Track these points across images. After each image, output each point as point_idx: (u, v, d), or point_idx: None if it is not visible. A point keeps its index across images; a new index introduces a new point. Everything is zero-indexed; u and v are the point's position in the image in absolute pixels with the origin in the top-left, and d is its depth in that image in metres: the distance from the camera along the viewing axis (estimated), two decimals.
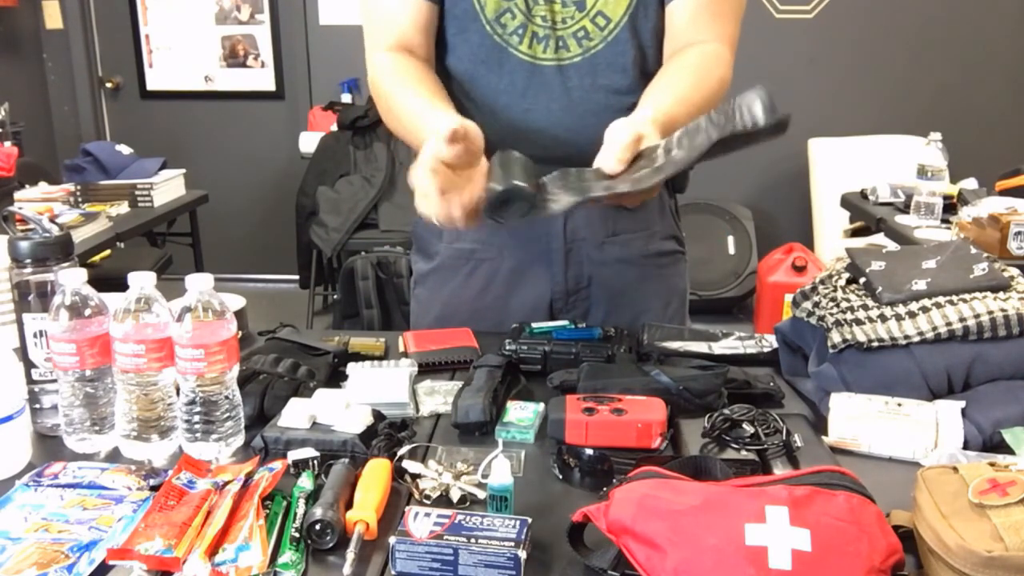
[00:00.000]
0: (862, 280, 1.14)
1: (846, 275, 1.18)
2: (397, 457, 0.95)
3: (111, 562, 0.79)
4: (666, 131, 1.05)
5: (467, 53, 1.30)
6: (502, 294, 1.40)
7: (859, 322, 1.09)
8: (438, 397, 1.13)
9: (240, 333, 1.13)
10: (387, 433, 0.99)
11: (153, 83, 4.83)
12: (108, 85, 4.85)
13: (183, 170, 3.47)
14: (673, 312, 1.45)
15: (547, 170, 1.05)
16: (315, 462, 0.93)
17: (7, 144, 3.24)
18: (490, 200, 0.97)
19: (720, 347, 1.25)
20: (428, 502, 0.89)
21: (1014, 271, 1.13)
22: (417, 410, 1.10)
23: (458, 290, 1.42)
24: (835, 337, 1.10)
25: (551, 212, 0.99)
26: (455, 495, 0.90)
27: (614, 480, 0.86)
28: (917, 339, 1.05)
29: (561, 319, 1.35)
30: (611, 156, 1.00)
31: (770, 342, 1.27)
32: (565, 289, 1.39)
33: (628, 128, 1.02)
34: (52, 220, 1.13)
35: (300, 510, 0.84)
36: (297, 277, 4.36)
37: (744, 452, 0.93)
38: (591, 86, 1.28)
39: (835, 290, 1.16)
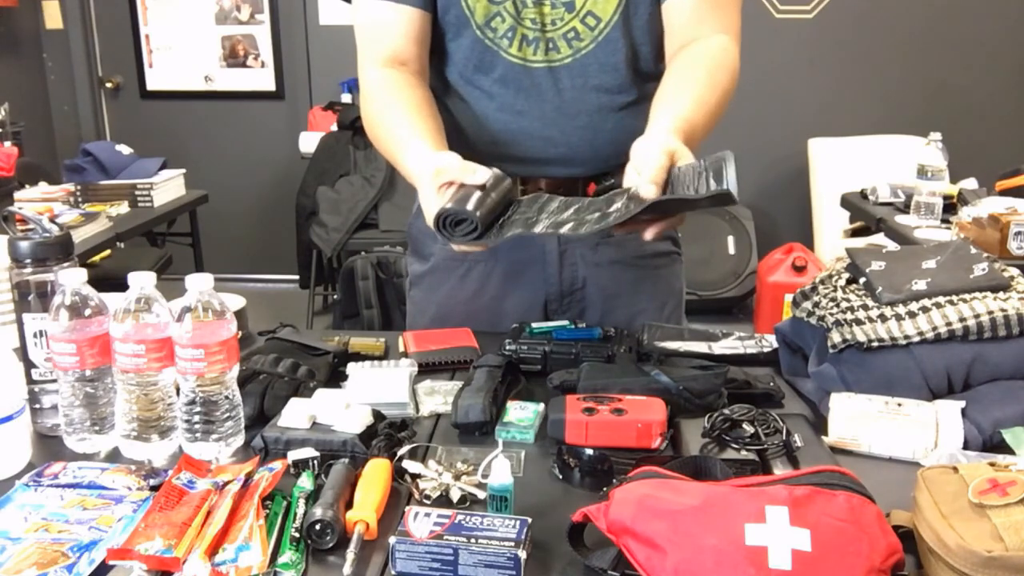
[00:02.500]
0: (862, 280, 1.14)
1: (846, 275, 1.18)
2: (397, 457, 0.95)
3: (111, 562, 0.79)
4: (688, 137, 1.04)
5: (460, 59, 1.29)
6: (497, 296, 1.40)
7: (859, 322, 1.09)
8: (438, 397, 1.13)
9: (240, 333, 1.13)
10: (387, 433, 0.99)
11: (153, 83, 4.83)
12: (108, 85, 4.85)
13: (183, 170, 3.47)
14: (669, 313, 1.45)
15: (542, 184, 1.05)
16: (315, 462, 0.93)
17: (7, 144, 3.24)
18: (437, 216, 1.00)
19: (720, 347, 1.25)
20: (428, 502, 0.89)
21: (1014, 271, 1.13)
22: (417, 410, 1.10)
23: (453, 292, 1.41)
24: (835, 337, 1.10)
25: (499, 239, 1.01)
26: (455, 495, 0.90)
27: (614, 480, 0.86)
28: (917, 339, 1.05)
29: (556, 320, 1.35)
30: (646, 179, 0.97)
31: (770, 342, 1.27)
32: (560, 291, 1.39)
33: (658, 148, 0.99)
34: (52, 220, 1.12)
35: (300, 510, 0.84)
36: (297, 277, 4.36)
37: (744, 452, 0.93)
38: (583, 87, 1.27)
39: (835, 290, 1.16)
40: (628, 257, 1.40)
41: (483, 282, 1.40)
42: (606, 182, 1.31)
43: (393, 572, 0.78)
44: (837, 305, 1.13)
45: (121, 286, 1.00)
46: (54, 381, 1.04)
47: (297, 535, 0.81)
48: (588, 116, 1.27)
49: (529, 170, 1.30)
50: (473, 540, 0.76)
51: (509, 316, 1.35)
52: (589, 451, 0.94)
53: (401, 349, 1.29)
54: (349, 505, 0.85)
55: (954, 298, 1.07)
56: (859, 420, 1.01)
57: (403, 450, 0.96)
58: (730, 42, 1.25)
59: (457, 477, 0.91)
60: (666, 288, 1.45)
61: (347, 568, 0.77)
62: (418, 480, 0.92)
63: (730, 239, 4.24)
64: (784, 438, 0.94)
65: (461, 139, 1.30)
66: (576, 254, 1.37)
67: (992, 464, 0.77)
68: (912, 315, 1.06)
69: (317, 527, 0.81)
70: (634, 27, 1.27)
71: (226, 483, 0.89)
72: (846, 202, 3.20)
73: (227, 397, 1.00)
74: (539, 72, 1.27)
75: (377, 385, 1.11)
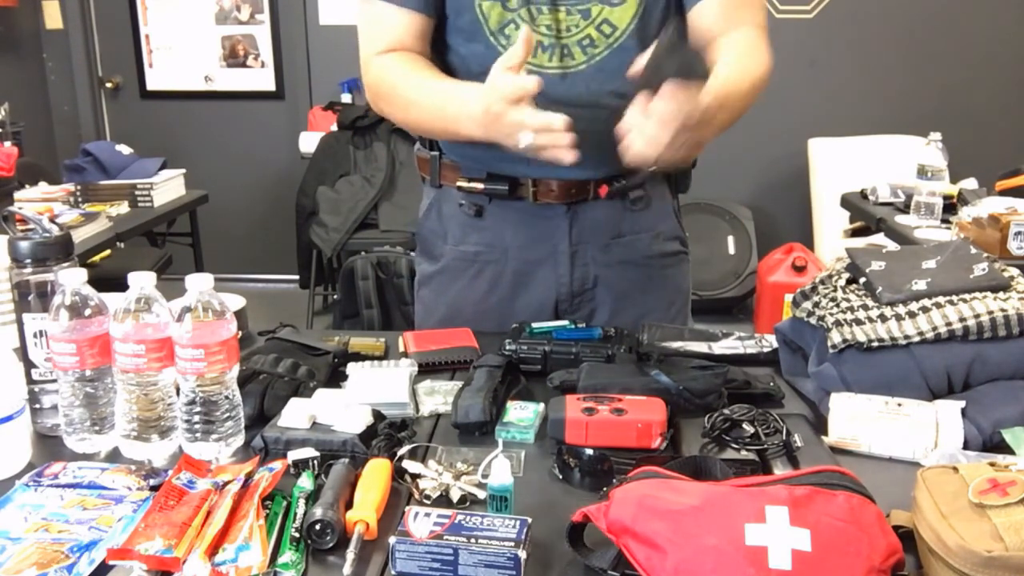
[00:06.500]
0: (862, 280, 1.14)
1: (846, 275, 1.18)
2: (397, 457, 0.95)
3: (111, 562, 0.79)
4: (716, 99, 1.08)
5: (474, 65, 1.30)
6: (507, 296, 1.40)
7: (859, 322, 1.09)
8: (438, 397, 1.13)
9: (240, 333, 1.13)
10: (387, 433, 0.99)
11: (153, 83, 4.83)
12: (108, 85, 4.85)
13: (183, 170, 3.47)
14: (676, 312, 1.46)
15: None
16: (315, 462, 0.93)
17: (7, 144, 3.23)
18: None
19: (720, 347, 1.25)
20: (428, 502, 0.89)
21: (1014, 271, 1.13)
22: (417, 410, 1.10)
23: (463, 292, 1.42)
24: (835, 337, 1.10)
25: None
26: (455, 495, 0.90)
27: (614, 480, 0.86)
28: (917, 339, 1.05)
29: (566, 320, 1.35)
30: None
31: (770, 342, 1.27)
32: (571, 291, 1.39)
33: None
34: (52, 220, 1.13)
35: (300, 510, 0.84)
36: (297, 277, 4.36)
37: (744, 452, 0.93)
38: (597, 92, 1.28)
39: (835, 290, 1.16)
40: (638, 257, 1.40)
41: (494, 282, 1.40)
42: (618, 184, 1.32)
43: (393, 572, 0.78)
44: (837, 305, 1.13)
45: (121, 286, 1.00)
46: (54, 381, 1.04)
47: (297, 535, 0.81)
48: (603, 122, 1.27)
49: (542, 172, 1.30)
50: (473, 540, 0.76)
51: (519, 316, 1.35)
52: (589, 451, 0.94)
53: (401, 349, 1.29)
54: (349, 505, 0.85)
55: (954, 298, 1.07)
56: (859, 420, 1.01)
57: (403, 450, 0.96)
58: (757, 35, 1.27)
59: (457, 477, 0.91)
60: (674, 288, 1.46)
61: (347, 568, 0.77)
62: (418, 480, 0.92)
63: (730, 239, 4.24)
64: (784, 438, 0.94)
65: (475, 140, 1.30)
66: (587, 254, 1.38)
67: (992, 464, 0.77)
68: (912, 315, 1.06)
69: (317, 527, 0.81)
70: (649, 36, 1.27)
71: (226, 483, 0.89)
72: (846, 202, 3.20)
73: (227, 397, 1.00)
74: (553, 79, 1.27)
75: (377, 385, 1.11)
